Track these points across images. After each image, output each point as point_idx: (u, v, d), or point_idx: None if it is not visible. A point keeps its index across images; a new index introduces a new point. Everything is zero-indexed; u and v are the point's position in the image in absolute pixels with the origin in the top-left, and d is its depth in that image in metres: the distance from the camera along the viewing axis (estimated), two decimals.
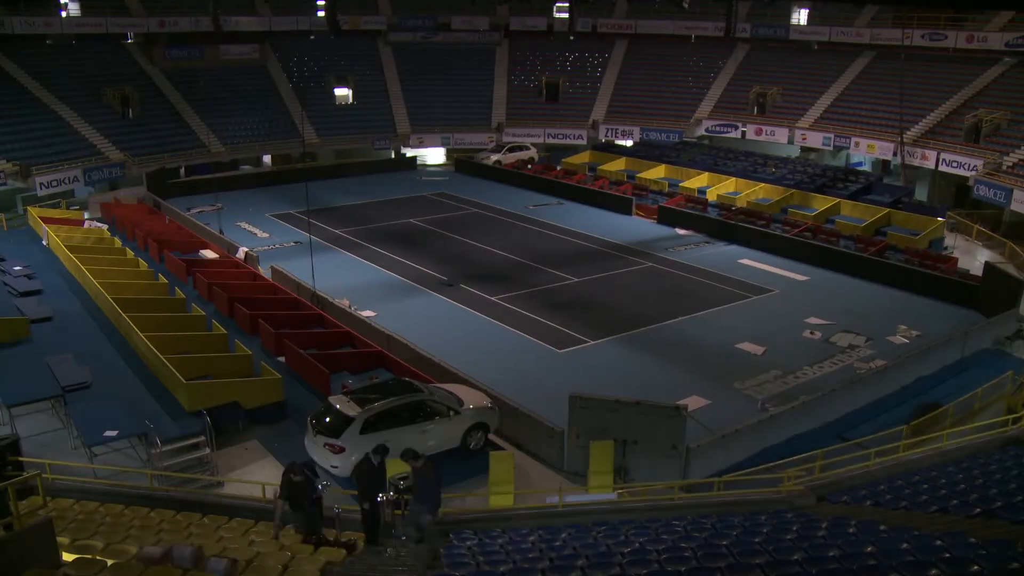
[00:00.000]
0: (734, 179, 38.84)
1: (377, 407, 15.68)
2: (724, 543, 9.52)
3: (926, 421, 17.20)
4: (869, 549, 8.92)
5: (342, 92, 50.59)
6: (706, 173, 40.04)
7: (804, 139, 44.83)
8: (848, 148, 43.11)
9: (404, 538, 11.93)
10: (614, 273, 28.56)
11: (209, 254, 28.98)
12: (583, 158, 46.11)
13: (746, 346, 22.14)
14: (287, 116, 47.85)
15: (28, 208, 34.97)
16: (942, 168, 38.22)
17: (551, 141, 50.11)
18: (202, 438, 15.97)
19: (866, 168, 43.96)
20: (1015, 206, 32.69)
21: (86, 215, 34.66)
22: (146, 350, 19.28)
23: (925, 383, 20.10)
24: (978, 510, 10.48)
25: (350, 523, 12.32)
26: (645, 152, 45.21)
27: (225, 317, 23.18)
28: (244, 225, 34.62)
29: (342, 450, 15.11)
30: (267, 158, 47.68)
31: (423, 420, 15.97)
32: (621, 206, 37.09)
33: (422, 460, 11.69)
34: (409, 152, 49.71)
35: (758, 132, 46.24)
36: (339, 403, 15.92)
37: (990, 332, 22.70)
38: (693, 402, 18.68)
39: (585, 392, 16.25)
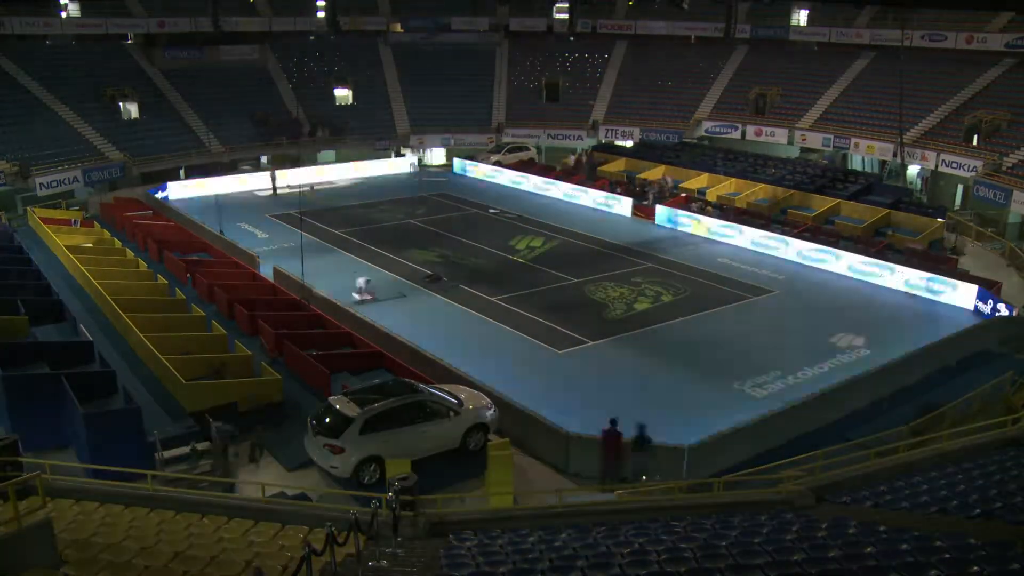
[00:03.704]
0: (734, 180, 38.82)
1: (377, 408, 15.69)
2: (724, 544, 9.51)
3: (926, 422, 17.21)
4: (869, 550, 8.92)
5: (342, 92, 50.58)
6: (706, 173, 40.02)
7: (804, 140, 44.84)
8: (848, 149, 43.11)
9: (401, 539, 11.92)
10: (614, 273, 28.55)
11: None
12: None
13: (747, 346, 22.14)
14: (287, 116, 47.81)
15: (28, 208, 34.96)
16: (942, 169, 38.24)
17: (551, 142, 50.11)
18: (207, 445, 15.92)
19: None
20: (1015, 207, 32.71)
21: (84, 215, 34.75)
22: (146, 350, 19.27)
23: (925, 384, 20.11)
24: (978, 511, 10.47)
25: None
26: (645, 153, 45.18)
27: (225, 318, 23.17)
28: (244, 226, 34.62)
29: (341, 451, 15.12)
30: (264, 158, 47.71)
31: (423, 421, 15.97)
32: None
33: None
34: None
35: (758, 133, 46.24)
36: (339, 404, 15.93)
37: (990, 333, 22.71)
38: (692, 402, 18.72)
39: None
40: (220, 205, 34.98)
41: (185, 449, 15.62)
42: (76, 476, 14.18)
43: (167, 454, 15.37)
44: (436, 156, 51.04)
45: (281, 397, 18.04)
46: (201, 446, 15.73)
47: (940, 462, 13.91)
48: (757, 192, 37.14)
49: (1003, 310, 23.87)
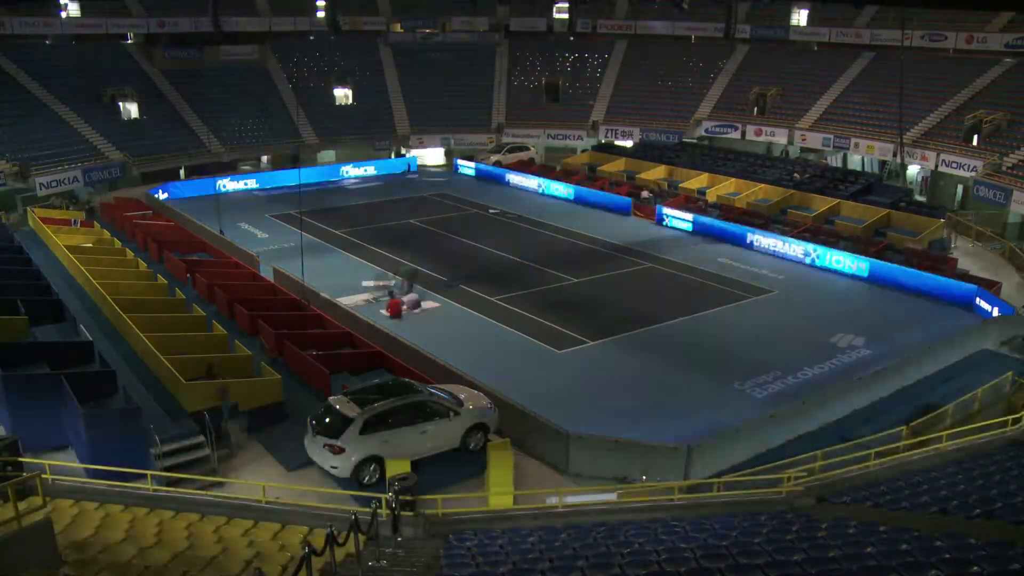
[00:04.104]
0: (734, 179, 38.84)
1: (377, 408, 15.68)
2: (724, 544, 9.52)
3: (926, 422, 17.21)
4: (869, 550, 8.93)
5: (342, 92, 50.59)
6: (706, 174, 40.04)
7: (804, 140, 44.82)
8: (848, 148, 43.11)
9: (401, 539, 11.93)
10: (614, 273, 28.56)
11: None
12: (583, 159, 46.13)
13: (747, 346, 22.13)
14: (287, 116, 47.86)
15: (28, 208, 34.93)
16: (942, 169, 38.24)
17: (551, 142, 50.08)
18: (202, 438, 15.97)
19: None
20: (1015, 207, 32.69)
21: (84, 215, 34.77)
22: (146, 350, 19.26)
23: (925, 384, 20.11)
24: (978, 511, 10.48)
25: None
26: (645, 152, 45.19)
27: (225, 318, 23.15)
28: (244, 226, 34.61)
29: (342, 451, 15.12)
30: (265, 158, 47.73)
31: (423, 421, 15.97)
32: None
33: None
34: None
35: (758, 132, 46.22)
36: (339, 404, 15.92)
37: (990, 333, 22.71)
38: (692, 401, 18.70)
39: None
40: (220, 204, 34.98)
41: (182, 443, 15.67)
42: (76, 476, 14.18)
43: (164, 448, 15.39)
44: (431, 156, 50.83)
45: (281, 397, 18.03)
46: (196, 440, 15.79)
47: (940, 462, 13.93)
48: (757, 192, 37.15)
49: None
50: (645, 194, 38.40)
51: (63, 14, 45.68)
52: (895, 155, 39.87)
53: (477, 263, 29.68)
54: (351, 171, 45.72)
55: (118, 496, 13.34)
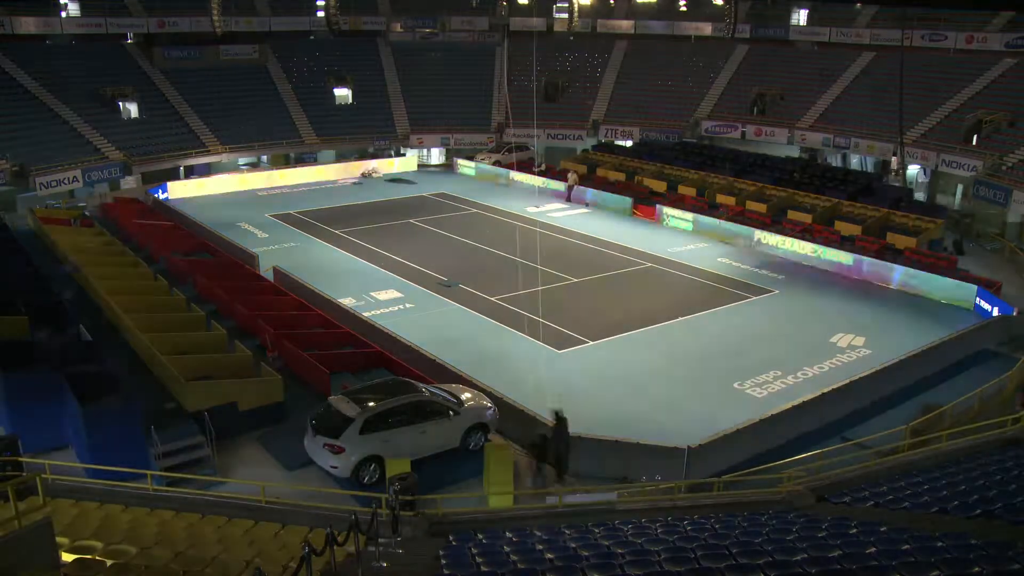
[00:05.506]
0: (734, 180, 38.76)
1: (377, 407, 15.68)
2: (725, 543, 9.52)
3: (926, 422, 17.21)
4: (870, 550, 8.92)
5: (342, 92, 50.58)
6: (706, 173, 39.96)
7: (804, 139, 44.80)
8: (848, 148, 43.08)
9: (401, 539, 11.92)
10: (614, 273, 28.55)
11: None
12: (583, 158, 46.07)
13: (747, 346, 22.13)
14: (287, 116, 47.82)
15: (28, 208, 34.90)
16: (942, 169, 38.22)
17: (551, 142, 50.06)
18: (202, 438, 15.96)
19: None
20: (1015, 207, 32.68)
21: (86, 214, 34.74)
22: (146, 350, 19.25)
23: (925, 384, 20.10)
24: (978, 511, 10.48)
25: None
26: (645, 152, 45.13)
27: (225, 318, 23.14)
28: (244, 226, 34.59)
29: (342, 450, 15.11)
30: (265, 158, 47.71)
31: (422, 420, 15.97)
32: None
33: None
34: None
35: (758, 132, 46.20)
36: (339, 403, 15.92)
37: (990, 333, 22.72)
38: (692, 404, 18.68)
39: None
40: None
41: (182, 443, 15.67)
42: (76, 476, 14.17)
43: (164, 448, 15.40)
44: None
45: (282, 397, 18.02)
46: (196, 440, 15.79)
47: (940, 462, 13.93)
48: (757, 192, 37.09)
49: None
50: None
51: (63, 14, 45.68)
52: (895, 155, 39.85)
53: (477, 263, 29.66)
54: None
55: (118, 496, 13.33)
